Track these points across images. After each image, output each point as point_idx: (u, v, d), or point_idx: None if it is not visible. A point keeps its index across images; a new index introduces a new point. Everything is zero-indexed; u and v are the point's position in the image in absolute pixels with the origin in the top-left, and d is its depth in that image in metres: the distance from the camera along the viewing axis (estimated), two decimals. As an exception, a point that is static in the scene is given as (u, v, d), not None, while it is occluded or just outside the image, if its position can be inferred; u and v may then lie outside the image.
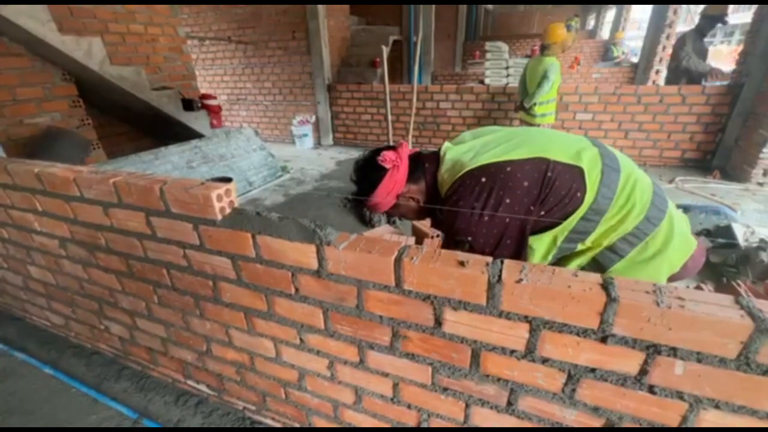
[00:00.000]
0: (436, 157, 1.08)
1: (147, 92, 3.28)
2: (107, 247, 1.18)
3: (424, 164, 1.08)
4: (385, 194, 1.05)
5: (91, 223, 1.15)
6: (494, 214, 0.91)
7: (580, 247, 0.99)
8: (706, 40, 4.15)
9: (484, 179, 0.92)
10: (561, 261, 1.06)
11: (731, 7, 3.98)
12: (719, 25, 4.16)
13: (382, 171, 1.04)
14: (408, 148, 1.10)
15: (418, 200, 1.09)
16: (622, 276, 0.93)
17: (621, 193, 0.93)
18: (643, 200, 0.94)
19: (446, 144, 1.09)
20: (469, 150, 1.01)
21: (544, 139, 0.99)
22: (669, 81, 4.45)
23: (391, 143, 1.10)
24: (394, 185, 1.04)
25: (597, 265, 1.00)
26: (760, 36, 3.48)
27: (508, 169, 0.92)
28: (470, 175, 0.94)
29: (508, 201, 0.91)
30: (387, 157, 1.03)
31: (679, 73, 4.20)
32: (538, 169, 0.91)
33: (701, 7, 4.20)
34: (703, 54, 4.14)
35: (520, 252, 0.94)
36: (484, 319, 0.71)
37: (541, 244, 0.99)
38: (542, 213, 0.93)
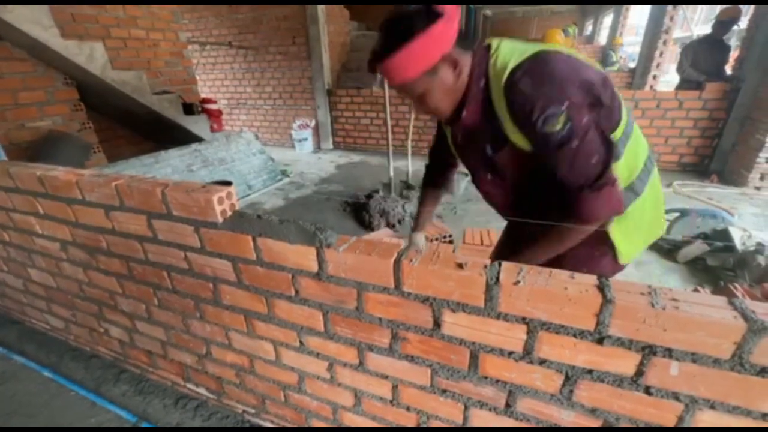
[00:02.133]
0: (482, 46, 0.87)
1: (148, 96, 3.30)
2: (108, 249, 1.19)
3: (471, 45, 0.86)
4: (424, 50, 0.77)
5: (93, 225, 1.16)
6: (582, 65, 0.77)
7: None
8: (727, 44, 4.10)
9: (561, 57, 0.78)
10: None
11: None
12: (735, 27, 4.09)
13: (429, 18, 0.75)
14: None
15: (461, 71, 0.84)
16: (639, 213, 0.92)
17: (633, 124, 0.91)
18: (643, 137, 0.95)
19: (491, 39, 0.87)
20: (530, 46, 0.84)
21: None
22: (679, 87, 4.44)
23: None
24: (443, 41, 0.77)
25: None
26: (756, 42, 3.52)
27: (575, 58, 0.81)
28: (545, 52, 0.78)
29: (587, 77, 0.77)
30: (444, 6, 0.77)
31: (686, 82, 4.22)
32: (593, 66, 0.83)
33: (697, 13, 4.22)
34: (713, 60, 4.06)
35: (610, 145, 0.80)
36: (483, 321, 0.72)
37: None
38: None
